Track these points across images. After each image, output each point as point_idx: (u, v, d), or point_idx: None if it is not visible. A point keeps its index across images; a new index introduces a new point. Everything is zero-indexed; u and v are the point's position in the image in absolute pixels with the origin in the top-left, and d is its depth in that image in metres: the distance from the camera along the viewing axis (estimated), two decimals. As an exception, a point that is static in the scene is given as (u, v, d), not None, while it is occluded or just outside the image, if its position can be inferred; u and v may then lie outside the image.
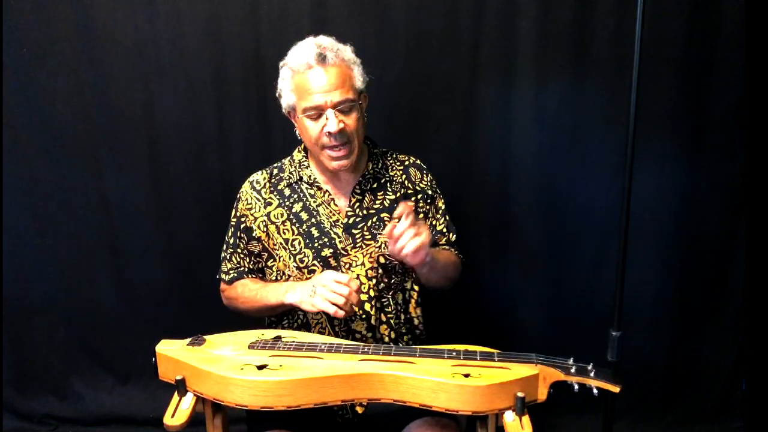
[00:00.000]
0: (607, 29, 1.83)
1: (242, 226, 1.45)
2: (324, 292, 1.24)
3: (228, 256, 1.48)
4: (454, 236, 1.53)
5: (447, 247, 1.52)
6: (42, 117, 1.91)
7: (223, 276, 1.50)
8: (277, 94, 1.41)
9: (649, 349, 2.11)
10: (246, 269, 1.47)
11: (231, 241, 1.48)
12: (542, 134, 1.93)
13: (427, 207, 1.50)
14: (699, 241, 2.02)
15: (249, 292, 1.43)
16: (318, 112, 1.31)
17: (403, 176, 1.48)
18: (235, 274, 1.47)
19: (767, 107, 1.66)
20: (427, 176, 1.52)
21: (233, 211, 1.47)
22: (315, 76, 1.30)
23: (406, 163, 1.51)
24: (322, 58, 1.30)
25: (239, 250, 1.46)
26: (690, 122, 1.92)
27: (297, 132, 1.43)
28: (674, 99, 1.89)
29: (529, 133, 1.93)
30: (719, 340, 2.11)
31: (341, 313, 1.23)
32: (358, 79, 1.36)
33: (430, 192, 1.50)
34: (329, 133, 1.30)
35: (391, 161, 1.49)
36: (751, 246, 1.75)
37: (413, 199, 1.47)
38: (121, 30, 1.84)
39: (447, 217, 1.53)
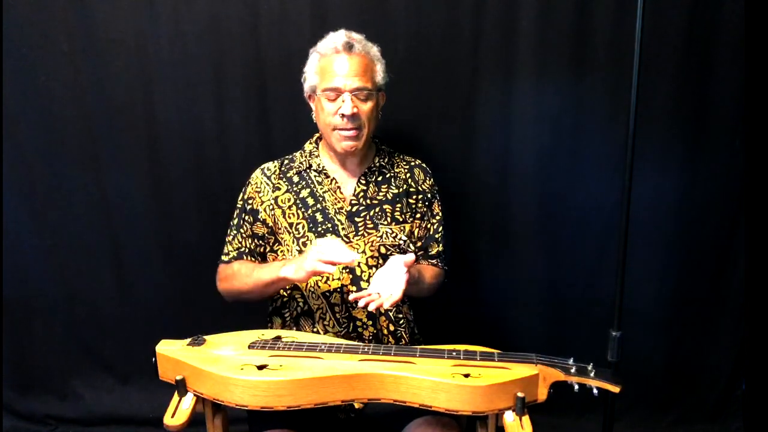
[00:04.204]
0: (607, 29, 1.83)
1: (248, 207, 1.48)
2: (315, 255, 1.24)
3: (230, 239, 1.51)
4: (443, 247, 1.57)
5: (435, 261, 1.57)
6: (42, 117, 1.91)
7: (223, 258, 1.51)
8: (302, 79, 1.48)
9: (649, 349, 2.11)
10: (246, 250, 1.48)
11: (235, 222, 1.51)
12: (542, 134, 1.93)
13: (425, 209, 1.54)
14: (699, 241, 2.02)
15: (246, 269, 1.44)
16: (336, 94, 1.38)
17: (408, 175, 1.54)
18: (235, 254, 1.49)
19: (767, 107, 1.66)
20: (429, 180, 1.57)
21: (240, 195, 1.51)
22: (339, 60, 1.39)
23: (412, 163, 1.57)
24: (348, 47, 1.39)
25: (242, 231, 1.49)
26: (690, 122, 1.92)
27: (313, 115, 1.48)
28: (674, 99, 1.89)
29: (529, 132, 1.93)
30: (719, 340, 2.11)
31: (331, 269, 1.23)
32: (379, 75, 1.44)
33: (429, 195, 1.55)
34: (343, 114, 1.36)
35: (397, 159, 1.56)
36: (751, 246, 1.75)
37: (414, 198, 1.52)
38: (121, 30, 1.83)
39: (442, 226, 1.57)
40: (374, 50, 1.45)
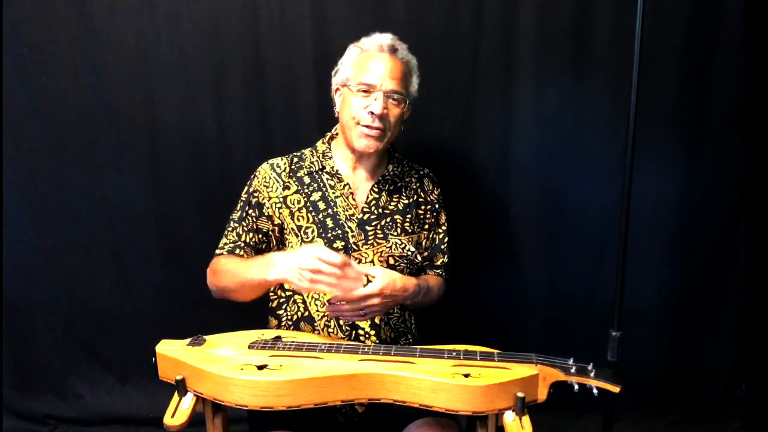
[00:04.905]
0: (607, 29, 1.84)
1: (253, 201, 1.43)
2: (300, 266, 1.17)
3: (228, 231, 1.44)
4: (447, 258, 1.56)
5: (439, 272, 1.56)
6: (42, 117, 1.91)
7: (217, 252, 1.44)
8: (333, 72, 1.47)
9: (649, 349, 2.11)
10: (242, 243, 1.41)
11: (237, 215, 1.45)
12: (542, 134, 1.93)
13: (432, 220, 1.53)
14: (699, 241, 2.03)
15: (232, 264, 1.35)
16: (370, 90, 1.36)
17: (417, 184, 1.52)
18: (230, 247, 1.42)
19: (767, 108, 1.66)
20: (437, 189, 1.56)
21: (245, 189, 1.46)
22: (381, 59, 1.38)
23: (421, 172, 1.56)
24: (393, 50, 1.40)
25: (244, 224, 1.43)
26: (690, 122, 1.92)
27: (335, 109, 1.46)
28: (674, 99, 1.90)
29: (529, 132, 1.93)
30: (719, 340, 2.11)
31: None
32: (413, 86, 1.44)
33: (437, 206, 1.54)
34: (372, 112, 1.35)
35: (407, 168, 1.54)
36: (751, 246, 1.74)
37: (423, 208, 1.51)
38: (121, 30, 1.84)
39: (449, 237, 1.56)
40: (414, 62, 1.44)
